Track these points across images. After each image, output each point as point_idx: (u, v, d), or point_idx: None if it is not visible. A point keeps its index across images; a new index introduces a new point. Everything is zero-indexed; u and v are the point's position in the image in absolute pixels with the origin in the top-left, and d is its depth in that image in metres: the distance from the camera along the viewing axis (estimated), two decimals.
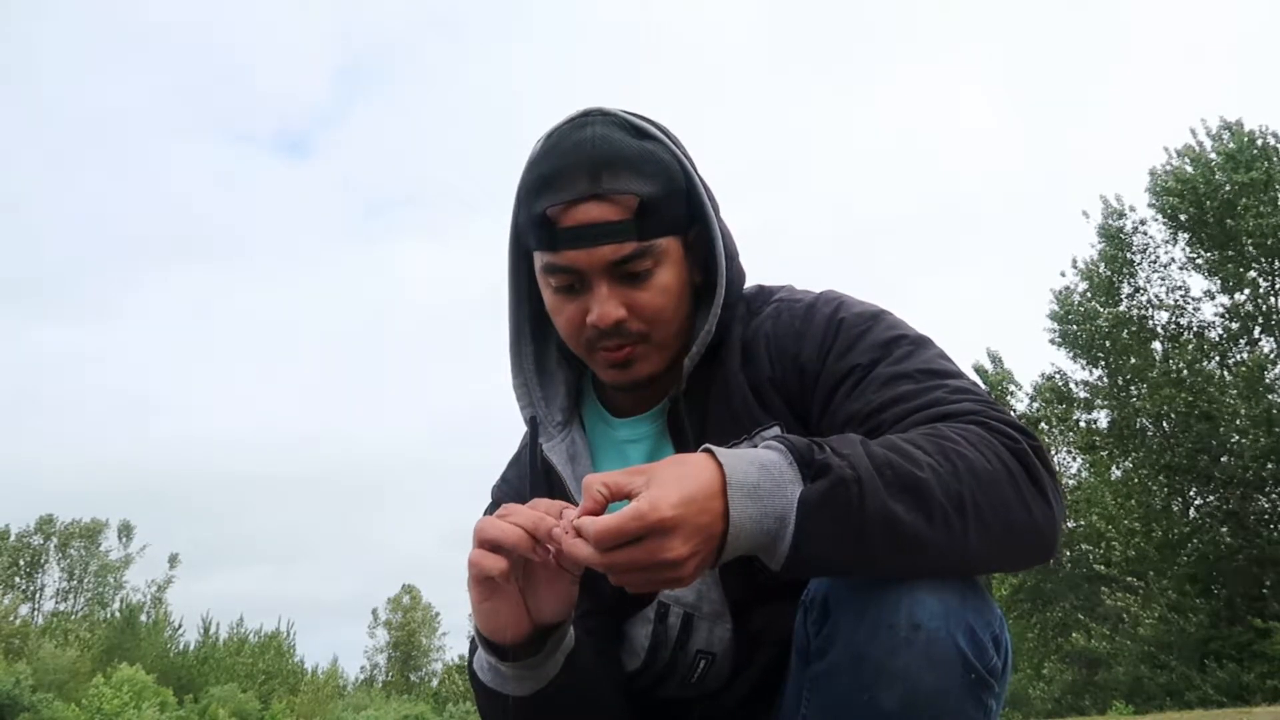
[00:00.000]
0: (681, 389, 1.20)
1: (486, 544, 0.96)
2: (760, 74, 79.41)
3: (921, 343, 1.13)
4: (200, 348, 67.03)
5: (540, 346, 1.31)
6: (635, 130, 1.17)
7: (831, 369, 1.12)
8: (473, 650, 1.14)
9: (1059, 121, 64.86)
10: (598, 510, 0.90)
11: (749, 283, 1.29)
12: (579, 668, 1.11)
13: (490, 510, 1.27)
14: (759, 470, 0.90)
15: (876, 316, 1.17)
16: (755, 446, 0.94)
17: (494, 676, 1.09)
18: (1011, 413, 1.10)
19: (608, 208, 1.11)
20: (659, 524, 0.85)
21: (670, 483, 0.88)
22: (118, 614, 37.05)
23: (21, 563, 40.13)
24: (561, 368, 1.32)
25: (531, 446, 1.27)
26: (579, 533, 0.89)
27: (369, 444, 69.41)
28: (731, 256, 1.22)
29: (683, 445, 1.20)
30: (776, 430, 1.16)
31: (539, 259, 1.17)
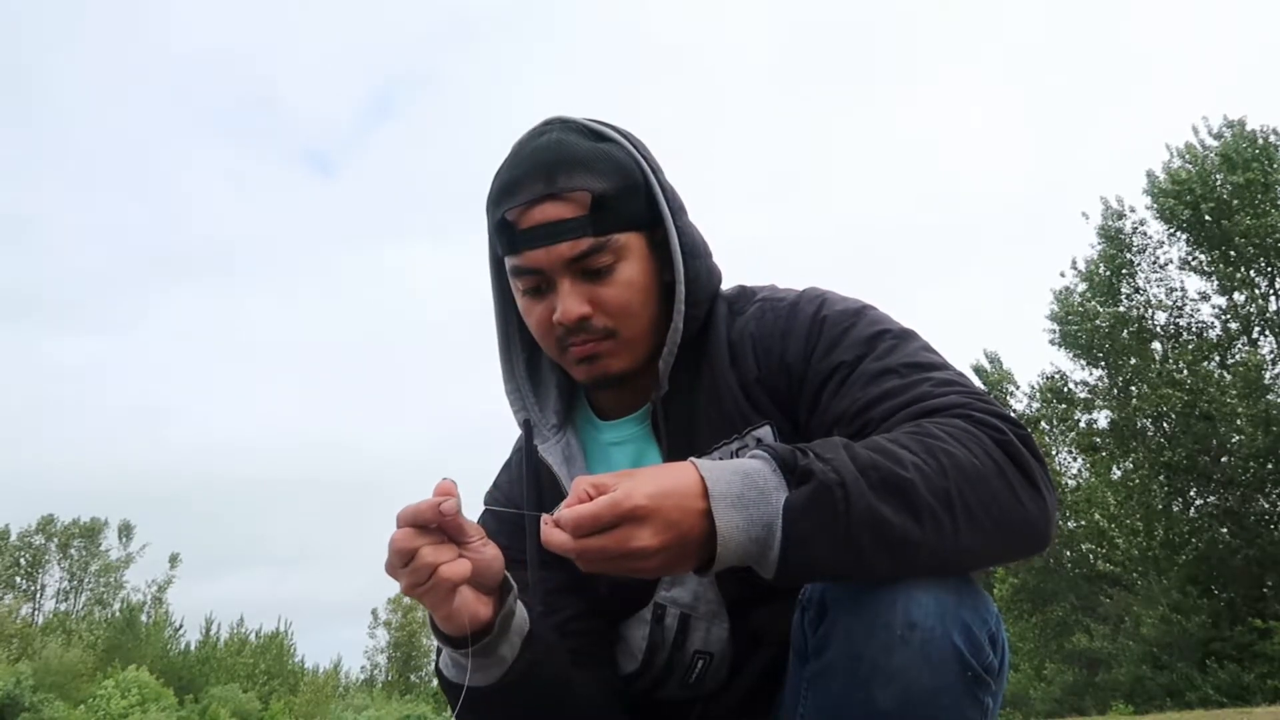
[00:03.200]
0: (662, 390, 1.20)
1: (423, 568, 0.95)
2: (766, 86, 79.48)
3: (905, 336, 1.13)
4: (207, 356, 67.30)
5: (532, 352, 1.31)
6: (592, 133, 1.18)
7: (817, 368, 1.12)
8: (438, 655, 1.13)
9: (1060, 123, 64.81)
10: None
11: (733, 284, 1.29)
12: (539, 647, 1.10)
13: (482, 517, 1.27)
14: (742, 479, 0.91)
15: (859, 312, 1.16)
16: (746, 446, 0.94)
17: (459, 672, 1.09)
18: (1011, 411, 1.10)
19: (562, 206, 1.13)
20: (631, 512, 0.87)
21: (648, 478, 0.90)
22: (118, 614, 37.03)
23: (23, 562, 40.10)
24: (554, 372, 1.32)
25: (526, 449, 1.27)
26: (558, 524, 0.90)
27: (372, 447, 69.46)
28: (696, 255, 1.21)
29: (668, 446, 1.20)
30: (768, 429, 1.15)
31: (507, 264, 1.19)
